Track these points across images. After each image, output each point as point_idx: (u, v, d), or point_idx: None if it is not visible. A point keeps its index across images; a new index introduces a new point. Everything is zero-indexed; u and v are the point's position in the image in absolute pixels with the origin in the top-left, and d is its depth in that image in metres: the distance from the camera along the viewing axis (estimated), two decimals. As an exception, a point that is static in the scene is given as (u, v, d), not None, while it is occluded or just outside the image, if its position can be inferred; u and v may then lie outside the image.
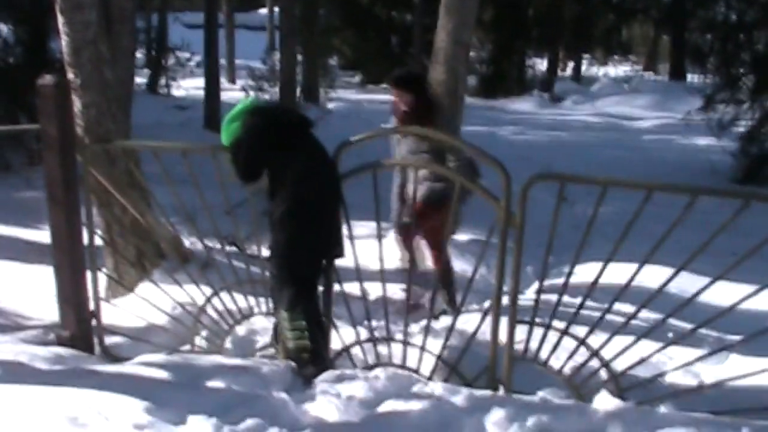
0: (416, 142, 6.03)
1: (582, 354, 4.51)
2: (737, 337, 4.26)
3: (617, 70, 38.78)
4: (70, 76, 6.03)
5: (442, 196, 5.96)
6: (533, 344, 4.57)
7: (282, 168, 4.70)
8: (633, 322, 4.41)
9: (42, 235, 7.11)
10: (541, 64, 32.80)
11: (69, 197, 4.98)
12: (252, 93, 12.59)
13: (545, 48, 32.26)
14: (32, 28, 12.78)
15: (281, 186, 4.69)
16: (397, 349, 4.95)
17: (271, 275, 4.90)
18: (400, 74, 6.39)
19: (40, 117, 4.89)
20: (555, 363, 4.60)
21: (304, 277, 4.77)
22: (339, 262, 4.97)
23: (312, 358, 4.72)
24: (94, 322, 5.36)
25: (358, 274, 5.00)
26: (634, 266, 4.19)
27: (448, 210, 5.33)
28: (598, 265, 4.29)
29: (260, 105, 5.02)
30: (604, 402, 4.24)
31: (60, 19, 5.98)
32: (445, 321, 5.69)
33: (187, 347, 5.57)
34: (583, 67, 34.66)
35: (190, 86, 23.38)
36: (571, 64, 35.38)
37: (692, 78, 24.70)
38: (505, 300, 4.48)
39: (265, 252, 4.99)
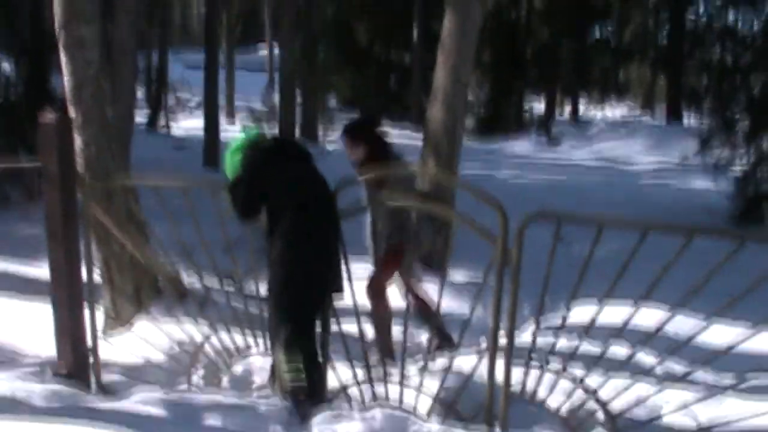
0: (372, 189, 5.96)
1: (579, 394, 4.51)
2: (733, 380, 4.25)
3: (614, 111, 38.98)
4: (71, 112, 6.06)
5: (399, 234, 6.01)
6: (530, 384, 4.56)
7: (280, 205, 4.71)
8: (630, 362, 4.42)
9: (40, 271, 7.13)
10: (539, 106, 32.94)
11: (68, 233, 4.99)
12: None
13: (543, 89, 32.43)
14: (34, 65, 12.85)
15: (279, 223, 4.69)
16: (393, 389, 4.94)
17: (270, 313, 4.90)
18: (349, 124, 6.41)
19: (41, 154, 4.91)
20: (552, 403, 4.60)
21: (301, 316, 4.76)
22: (337, 301, 4.98)
23: (308, 398, 4.71)
24: (91, 358, 5.35)
25: (356, 313, 5.01)
26: (628, 305, 4.20)
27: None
28: (595, 305, 4.30)
29: (261, 138, 5.05)
30: (601, 442, 4.25)
31: (62, 56, 6.03)
32: (441, 361, 5.69)
33: (184, 385, 5.56)
34: (581, 109, 34.80)
35: (189, 126, 23.47)
36: (568, 107, 35.54)
37: (689, 120, 24.81)
38: (503, 339, 4.48)
39: (263, 289, 4.99)
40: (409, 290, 5.86)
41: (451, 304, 6.92)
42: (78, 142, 6.04)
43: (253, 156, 4.79)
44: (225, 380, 5.59)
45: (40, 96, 12.18)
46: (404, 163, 6.21)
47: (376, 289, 5.91)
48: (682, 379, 4.47)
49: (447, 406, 4.80)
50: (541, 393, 4.57)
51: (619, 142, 24.63)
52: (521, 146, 25.17)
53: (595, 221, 4.24)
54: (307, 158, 4.99)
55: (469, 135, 25.28)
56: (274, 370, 5.15)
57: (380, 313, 5.96)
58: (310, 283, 4.75)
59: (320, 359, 4.93)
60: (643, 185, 17.23)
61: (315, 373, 4.77)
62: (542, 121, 29.83)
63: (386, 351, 6.05)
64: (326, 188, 4.87)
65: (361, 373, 5.03)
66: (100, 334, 5.60)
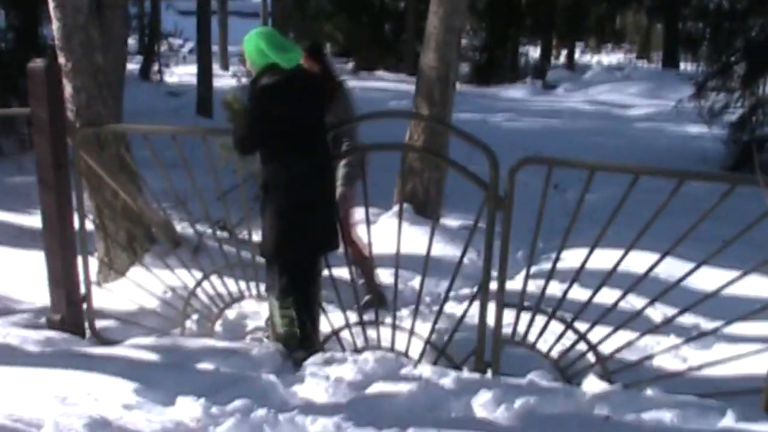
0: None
1: (569, 338, 4.55)
2: (723, 322, 4.27)
3: (610, 58, 38.78)
4: (61, 60, 6.02)
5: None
6: (521, 328, 4.59)
7: (279, 156, 4.63)
8: (621, 306, 4.44)
9: (33, 220, 7.14)
10: (535, 52, 32.77)
11: (60, 181, 4.99)
12: (244, 80, 12.53)
13: (538, 36, 32.23)
14: (24, 14, 12.74)
15: (275, 175, 4.63)
16: (386, 332, 4.97)
17: (265, 261, 4.91)
18: (315, 45, 6.39)
19: (31, 100, 4.90)
20: (543, 346, 4.63)
21: (295, 267, 4.77)
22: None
23: (301, 344, 4.74)
24: (84, 305, 5.38)
25: (348, 259, 5.03)
26: (622, 251, 4.22)
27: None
28: (587, 251, 4.31)
29: (283, 65, 4.63)
30: (592, 385, 4.29)
31: (51, 4, 5.97)
32: (434, 305, 5.71)
33: (177, 330, 5.59)
34: (576, 55, 34.62)
35: (182, 73, 23.29)
36: (564, 52, 35.34)
37: (685, 66, 24.70)
38: (494, 284, 4.50)
39: (257, 237, 4.99)
40: (346, 237, 5.79)
41: (444, 249, 6.94)
42: (68, 89, 6.01)
43: (264, 88, 4.56)
44: (218, 325, 5.62)
45: (31, 46, 12.11)
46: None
47: (344, 235, 5.89)
48: (672, 323, 4.49)
49: (438, 349, 4.83)
50: (532, 336, 4.60)
51: (614, 87, 24.52)
52: (516, 91, 25.06)
53: (587, 166, 4.24)
54: (321, 126, 4.84)
55: (465, 82, 25.17)
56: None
57: (357, 258, 5.93)
58: (303, 238, 4.73)
59: (313, 307, 4.94)
60: (638, 130, 17.20)
61: (307, 322, 4.80)
62: (538, 66, 29.69)
63: (374, 294, 6.06)
64: (326, 150, 4.86)
65: (352, 317, 5.06)
66: (93, 281, 5.62)
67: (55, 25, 6.05)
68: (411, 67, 24.75)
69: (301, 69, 4.70)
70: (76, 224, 5.27)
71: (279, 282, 4.73)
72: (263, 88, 4.53)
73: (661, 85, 23.11)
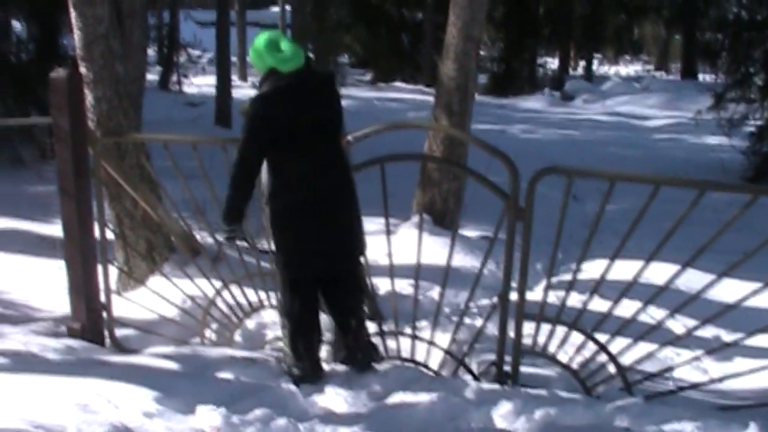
0: None
1: (590, 349, 4.52)
2: (744, 334, 4.24)
3: (628, 69, 38.75)
4: (82, 70, 6.06)
5: None
6: (541, 339, 4.58)
7: (279, 163, 4.40)
8: (642, 318, 4.42)
9: (54, 229, 7.16)
10: (552, 63, 32.78)
11: (80, 190, 5.01)
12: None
13: (556, 46, 32.26)
14: (44, 24, 12.82)
15: (276, 182, 4.42)
16: (405, 343, 4.97)
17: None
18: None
19: (52, 110, 4.92)
20: (563, 358, 4.61)
21: (296, 283, 4.58)
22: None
23: (295, 364, 4.62)
24: (104, 314, 5.39)
25: (368, 269, 5.03)
26: (641, 262, 4.19)
27: None
28: (607, 262, 4.30)
29: (282, 69, 4.36)
30: (612, 396, 4.26)
31: (72, 14, 6.02)
32: (454, 316, 5.70)
33: (196, 340, 5.60)
34: (594, 66, 34.61)
35: (201, 83, 23.41)
36: (582, 63, 35.34)
37: (704, 77, 24.64)
38: (514, 295, 4.49)
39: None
40: None
41: (463, 260, 6.93)
42: (89, 99, 6.05)
43: (256, 99, 4.34)
44: (237, 335, 5.63)
45: (51, 56, 12.18)
46: None
47: None
48: (692, 334, 4.46)
49: (458, 360, 4.82)
50: (552, 348, 4.58)
51: (632, 98, 24.49)
52: (534, 102, 25.07)
53: (607, 176, 4.22)
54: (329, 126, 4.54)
55: (483, 92, 25.18)
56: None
57: None
58: (305, 250, 4.51)
59: (314, 330, 4.72)
60: (656, 141, 17.17)
61: (300, 344, 4.60)
62: (555, 77, 29.69)
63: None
64: (334, 157, 4.55)
65: (372, 327, 5.06)
66: (113, 290, 5.64)
67: (76, 35, 6.09)
68: (428, 78, 24.84)
69: (304, 72, 4.41)
70: (96, 233, 5.29)
71: (281, 293, 4.66)
72: (255, 99, 4.36)
73: (680, 96, 23.07)
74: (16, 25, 13.26)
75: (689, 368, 4.80)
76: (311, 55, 16.81)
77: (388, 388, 4.31)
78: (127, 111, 6.34)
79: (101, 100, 6.16)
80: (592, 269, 5.15)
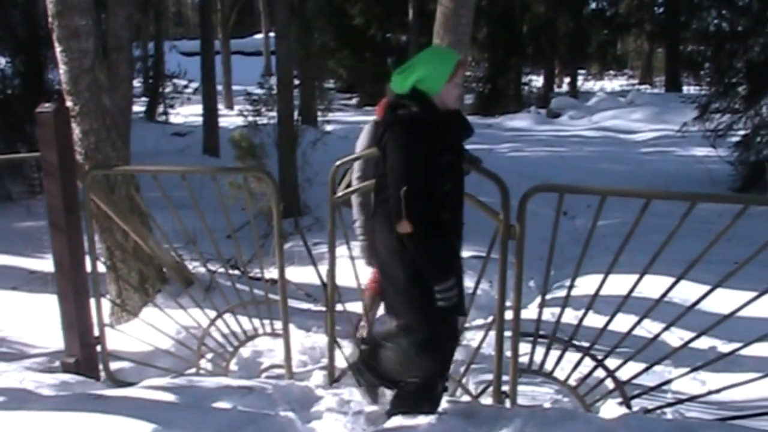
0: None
1: (587, 365, 4.52)
2: (741, 344, 4.23)
3: (613, 84, 38.93)
4: (69, 103, 6.07)
5: None
6: (537, 357, 4.57)
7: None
8: (638, 332, 4.41)
9: (45, 264, 7.15)
10: (537, 81, 32.93)
11: (71, 224, 4.99)
12: (250, 117, 12.64)
13: (541, 64, 32.41)
14: (30, 59, 12.86)
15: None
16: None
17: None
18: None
19: (40, 144, 4.91)
20: (560, 374, 4.60)
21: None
22: (342, 282, 4.98)
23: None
24: (98, 348, 5.37)
25: (361, 294, 5.02)
26: (635, 277, 4.19)
27: None
28: (600, 277, 4.30)
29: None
30: (611, 410, 4.26)
31: (57, 48, 6.03)
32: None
33: (192, 370, 5.58)
34: (579, 82, 34.78)
35: (188, 113, 23.45)
36: (567, 80, 35.50)
37: (688, 89, 24.77)
38: (509, 314, 4.48)
39: (268, 274, 4.98)
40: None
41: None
42: (77, 132, 6.06)
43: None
44: (233, 364, 5.61)
45: (37, 90, 12.20)
46: None
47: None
48: (688, 346, 4.46)
49: (456, 381, 4.81)
50: (549, 365, 4.57)
51: (618, 113, 24.59)
52: (521, 121, 25.17)
53: (598, 192, 4.23)
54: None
55: (469, 112, 25.26)
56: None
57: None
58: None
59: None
60: (644, 155, 17.24)
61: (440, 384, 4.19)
62: (541, 95, 29.82)
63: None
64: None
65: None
66: (106, 323, 5.61)
67: (62, 69, 6.10)
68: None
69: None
70: (88, 266, 5.27)
71: (417, 335, 3.97)
72: None
73: (666, 109, 23.17)
74: (1, 60, 13.27)
75: (687, 380, 4.79)
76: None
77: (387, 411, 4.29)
78: (115, 143, 6.34)
79: (89, 133, 6.16)
80: (585, 285, 5.16)
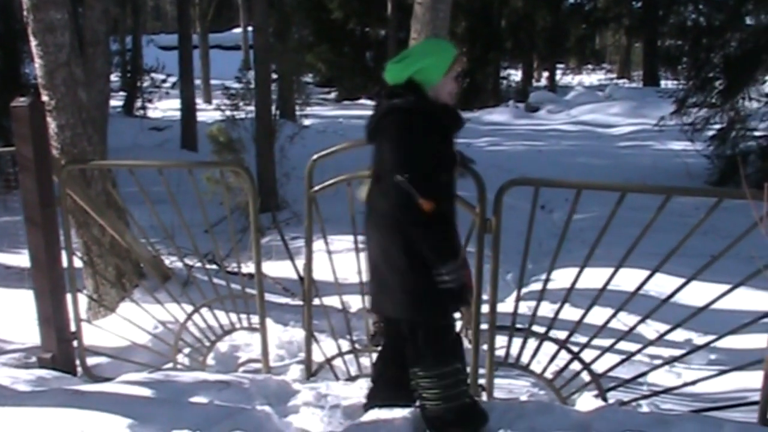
0: None
1: (563, 357, 4.54)
2: (715, 336, 4.26)
3: (591, 78, 39.04)
4: (45, 98, 6.02)
5: None
6: (514, 350, 4.58)
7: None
8: (615, 324, 4.44)
9: (21, 259, 7.10)
10: (516, 75, 32.97)
11: (46, 219, 4.97)
12: (228, 112, 12.59)
13: (519, 58, 32.44)
14: (5, 53, 12.76)
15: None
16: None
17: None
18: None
19: (16, 139, 4.88)
20: (536, 367, 4.62)
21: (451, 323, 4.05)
22: (318, 276, 4.98)
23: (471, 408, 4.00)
24: (75, 343, 5.35)
25: (338, 287, 5.02)
26: (611, 270, 4.21)
27: None
28: (577, 270, 4.31)
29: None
30: (587, 403, 4.28)
31: (33, 42, 5.98)
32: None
33: (169, 365, 5.57)
34: (558, 77, 34.86)
35: (166, 107, 23.35)
36: (545, 74, 35.57)
37: (666, 83, 24.87)
38: (485, 307, 4.50)
39: (245, 269, 4.97)
40: None
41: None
42: (52, 126, 6.02)
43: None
44: (210, 358, 5.60)
45: (14, 85, 12.12)
46: None
47: None
48: (664, 339, 4.49)
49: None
50: (525, 358, 4.59)
51: (596, 107, 24.66)
52: (499, 115, 25.19)
53: (573, 186, 4.24)
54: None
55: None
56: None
57: None
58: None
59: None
60: (622, 149, 17.31)
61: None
62: (520, 89, 29.87)
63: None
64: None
65: (345, 345, 5.05)
66: (83, 318, 5.59)
67: (38, 63, 6.05)
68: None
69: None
70: (65, 262, 5.25)
71: (436, 343, 3.88)
72: None
73: (643, 103, 23.25)
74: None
75: (663, 372, 4.83)
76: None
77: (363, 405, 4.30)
78: (91, 137, 6.30)
79: (65, 128, 6.12)
80: (562, 278, 5.18)
